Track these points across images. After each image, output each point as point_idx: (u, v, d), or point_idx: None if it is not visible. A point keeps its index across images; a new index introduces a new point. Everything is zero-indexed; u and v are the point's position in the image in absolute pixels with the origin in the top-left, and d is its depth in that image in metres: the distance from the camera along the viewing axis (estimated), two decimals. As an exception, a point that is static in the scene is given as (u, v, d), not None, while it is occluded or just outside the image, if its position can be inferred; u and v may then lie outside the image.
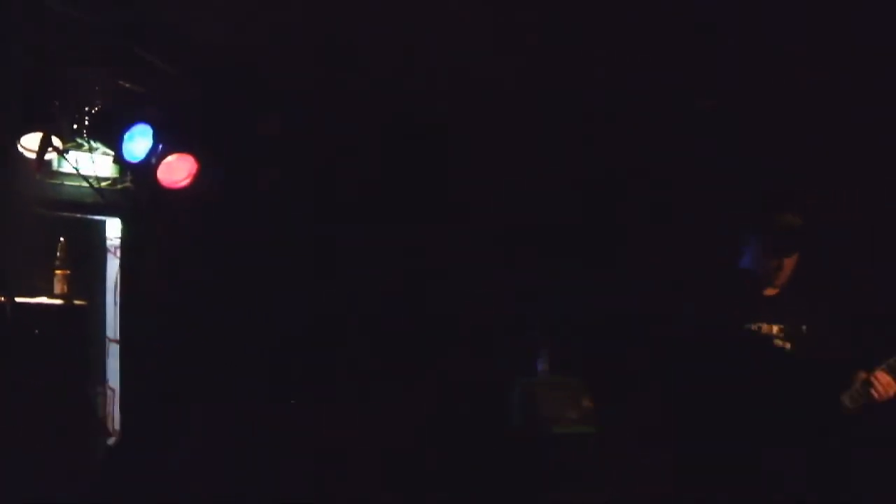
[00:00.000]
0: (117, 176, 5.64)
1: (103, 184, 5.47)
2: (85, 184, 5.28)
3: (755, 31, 4.66)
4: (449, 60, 4.90)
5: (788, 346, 4.17)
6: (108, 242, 5.79)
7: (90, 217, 5.67)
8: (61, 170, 5.45)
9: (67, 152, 5.30)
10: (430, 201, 5.72)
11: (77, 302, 5.09)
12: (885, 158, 5.05)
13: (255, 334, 5.60)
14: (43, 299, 4.97)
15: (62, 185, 5.49)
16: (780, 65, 4.87)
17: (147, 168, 5.25)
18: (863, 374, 4.13)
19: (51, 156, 5.20)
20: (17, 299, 4.72)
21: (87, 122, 5.33)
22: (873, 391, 4.08)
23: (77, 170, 5.25)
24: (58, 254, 5.14)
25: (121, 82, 5.31)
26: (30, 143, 5.07)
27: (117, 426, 5.56)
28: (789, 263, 4.19)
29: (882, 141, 5.05)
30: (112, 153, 5.37)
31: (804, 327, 4.20)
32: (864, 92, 4.92)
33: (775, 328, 4.19)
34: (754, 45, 4.76)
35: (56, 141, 5.12)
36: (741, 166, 5.19)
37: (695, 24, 4.64)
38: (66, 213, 5.52)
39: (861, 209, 5.10)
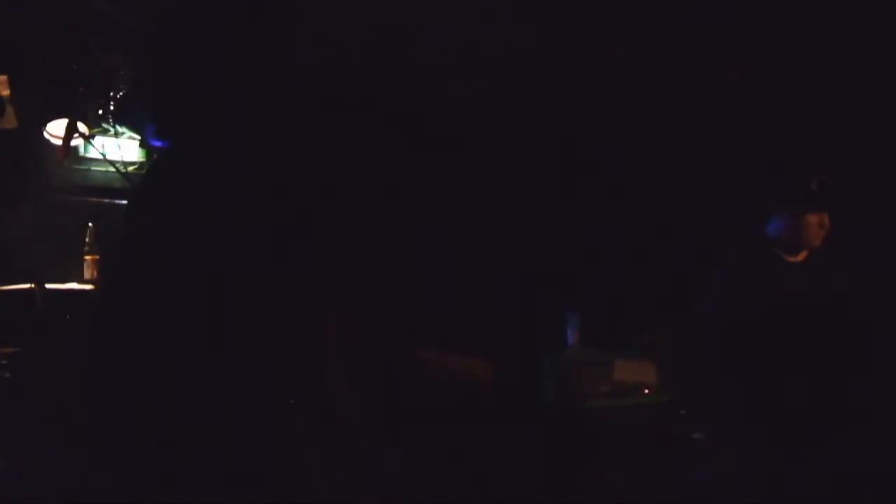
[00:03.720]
0: (144, 160, 5.65)
1: (130, 168, 5.48)
2: (112, 169, 5.30)
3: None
4: (461, 37, 4.88)
5: (818, 311, 4.16)
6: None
7: (118, 202, 5.70)
8: (88, 155, 5.48)
9: (93, 138, 5.33)
10: (450, 178, 5.70)
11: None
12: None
13: (284, 318, 5.59)
14: (73, 285, 5.01)
15: (89, 170, 5.52)
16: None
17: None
18: None
19: (77, 142, 5.24)
20: (47, 285, 4.75)
21: (112, 107, 5.36)
22: None
23: (104, 155, 5.27)
24: (86, 239, 5.17)
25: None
26: (55, 129, 5.10)
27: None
28: (827, 222, 4.16)
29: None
30: (138, 137, 5.39)
31: (832, 291, 4.18)
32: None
33: (803, 293, 4.17)
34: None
35: (82, 127, 5.16)
36: (765, 136, 5.15)
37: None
38: (93, 199, 5.54)
39: (886, 173, 5.04)
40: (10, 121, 5.05)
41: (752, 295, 4.18)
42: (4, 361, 4.42)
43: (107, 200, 5.60)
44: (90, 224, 5.18)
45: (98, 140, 5.35)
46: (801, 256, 4.23)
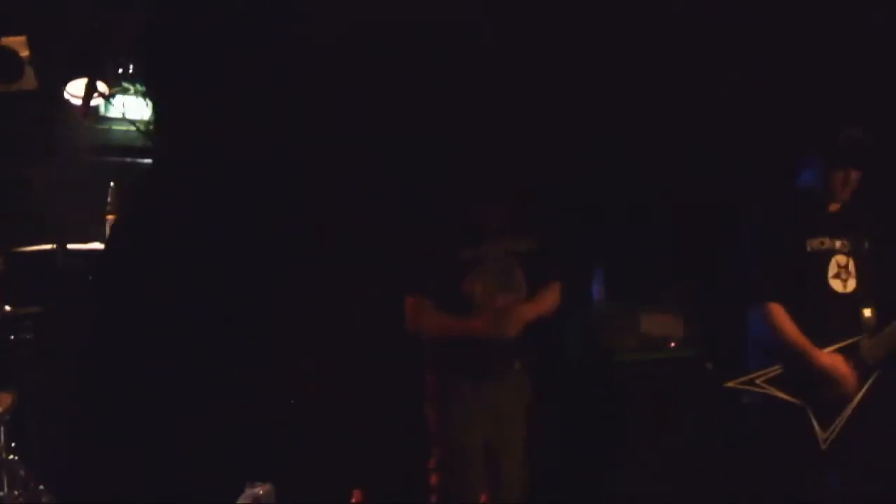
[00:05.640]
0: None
1: (151, 127, 5.46)
2: (133, 128, 5.29)
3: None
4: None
5: (851, 262, 4.11)
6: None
7: (139, 161, 5.68)
8: (108, 115, 5.47)
9: (114, 97, 5.32)
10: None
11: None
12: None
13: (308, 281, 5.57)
14: (95, 245, 5.01)
15: (110, 129, 5.51)
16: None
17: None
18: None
19: (97, 101, 5.23)
20: (69, 245, 4.76)
21: (132, 67, 5.33)
22: None
23: (124, 114, 5.26)
24: (108, 199, 5.16)
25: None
26: (75, 89, 5.09)
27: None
28: (856, 176, 4.12)
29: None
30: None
31: (867, 243, 4.13)
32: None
33: (838, 243, 4.12)
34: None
35: (102, 86, 5.14)
36: (795, 85, 5.07)
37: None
38: (114, 158, 5.53)
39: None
40: (30, 82, 5.03)
41: (790, 243, 4.15)
42: (28, 323, 4.43)
43: (128, 160, 5.58)
44: (112, 184, 5.17)
45: (119, 99, 5.33)
46: (836, 207, 4.19)
